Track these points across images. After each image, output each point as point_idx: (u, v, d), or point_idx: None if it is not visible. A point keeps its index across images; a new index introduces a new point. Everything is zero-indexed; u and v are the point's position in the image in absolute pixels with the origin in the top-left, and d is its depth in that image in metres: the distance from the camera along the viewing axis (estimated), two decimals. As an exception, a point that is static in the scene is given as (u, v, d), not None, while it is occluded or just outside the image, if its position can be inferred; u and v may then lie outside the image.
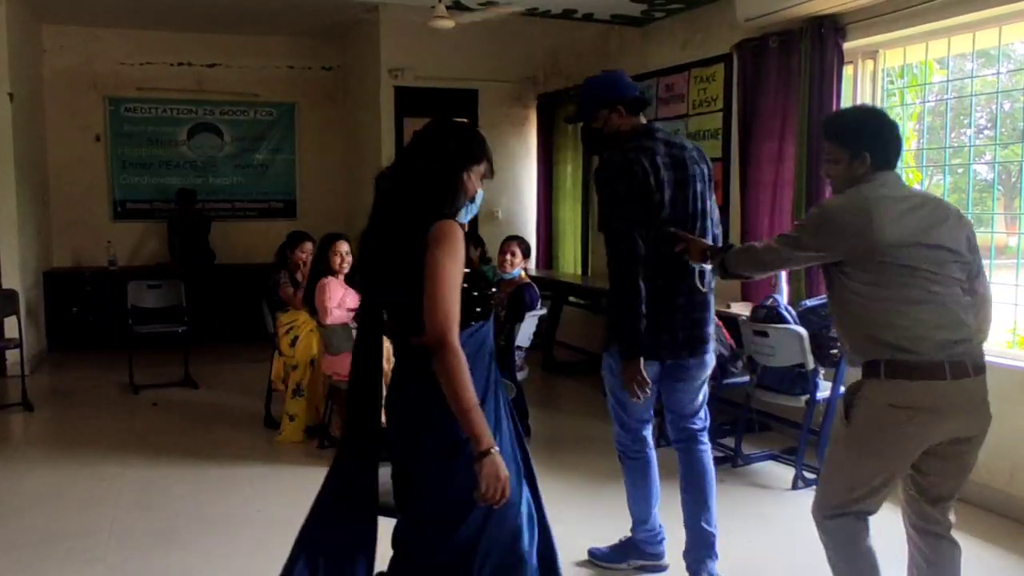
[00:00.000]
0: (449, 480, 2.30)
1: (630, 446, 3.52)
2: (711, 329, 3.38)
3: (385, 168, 2.49)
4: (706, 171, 3.35)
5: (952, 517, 2.82)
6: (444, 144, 2.38)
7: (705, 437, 3.52)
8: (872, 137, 2.74)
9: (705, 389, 3.48)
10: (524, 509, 2.38)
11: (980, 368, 2.66)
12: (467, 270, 2.30)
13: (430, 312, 2.19)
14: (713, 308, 3.38)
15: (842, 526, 2.81)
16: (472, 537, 2.30)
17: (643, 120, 3.36)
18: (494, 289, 2.49)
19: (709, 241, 3.30)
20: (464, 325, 2.27)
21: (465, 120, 2.53)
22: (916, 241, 2.61)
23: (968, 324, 2.64)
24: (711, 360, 3.42)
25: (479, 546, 2.30)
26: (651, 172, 3.15)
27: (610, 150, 3.28)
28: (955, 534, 2.82)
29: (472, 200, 2.43)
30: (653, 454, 3.56)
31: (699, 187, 3.29)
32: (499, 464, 2.17)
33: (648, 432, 3.52)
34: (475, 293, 2.35)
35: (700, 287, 3.24)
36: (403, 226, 2.31)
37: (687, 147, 3.32)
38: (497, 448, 2.19)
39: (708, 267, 3.17)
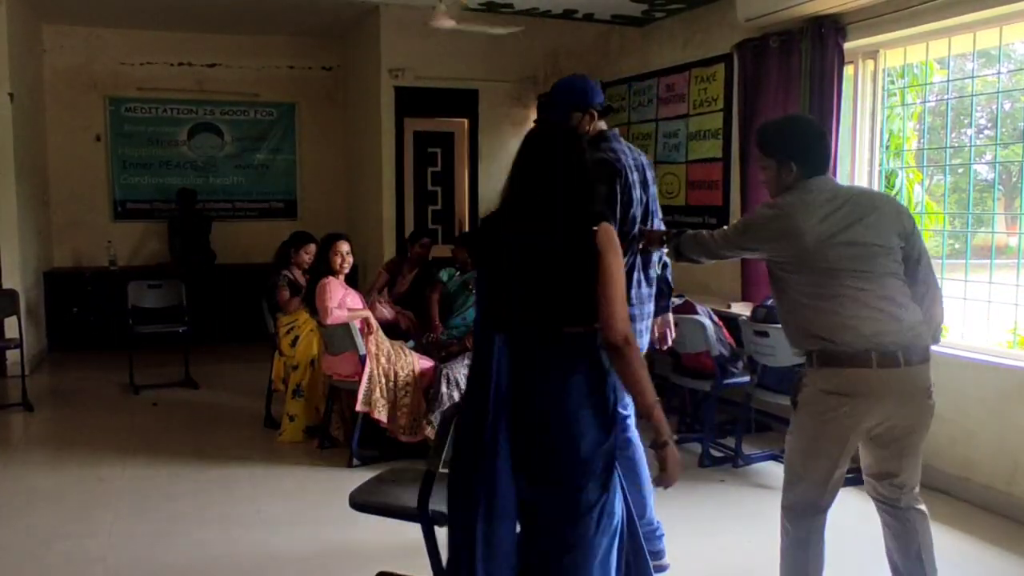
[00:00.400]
0: (601, 450, 2.41)
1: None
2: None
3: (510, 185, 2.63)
4: (653, 176, 3.61)
5: (916, 499, 2.98)
6: (584, 154, 2.58)
7: None
8: (796, 146, 2.85)
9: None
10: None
11: (916, 359, 2.76)
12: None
13: (611, 312, 2.38)
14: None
15: (800, 520, 3.01)
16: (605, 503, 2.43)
17: (604, 126, 3.53)
18: None
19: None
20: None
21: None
22: (836, 241, 2.74)
23: (899, 317, 2.74)
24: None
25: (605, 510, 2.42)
26: (627, 172, 3.38)
27: None
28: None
29: None
30: (638, 442, 3.49)
31: (653, 190, 3.58)
32: (677, 453, 2.39)
33: (631, 423, 3.46)
34: None
35: (653, 273, 3.51)
36: (561, 228, 2.46)
37: (640, 152, 3.57)
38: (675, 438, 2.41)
39: (664, 250, 3.37)
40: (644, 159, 3.56)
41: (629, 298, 3.29)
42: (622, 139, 3.53)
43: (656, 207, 3.64)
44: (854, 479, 4.77)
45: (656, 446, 2.39)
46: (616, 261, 2.43)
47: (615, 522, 2.45)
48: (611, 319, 2.38)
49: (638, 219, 3.46)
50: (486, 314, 2.59)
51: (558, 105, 3.49)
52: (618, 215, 3.31)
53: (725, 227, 3.15)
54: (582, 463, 2.39)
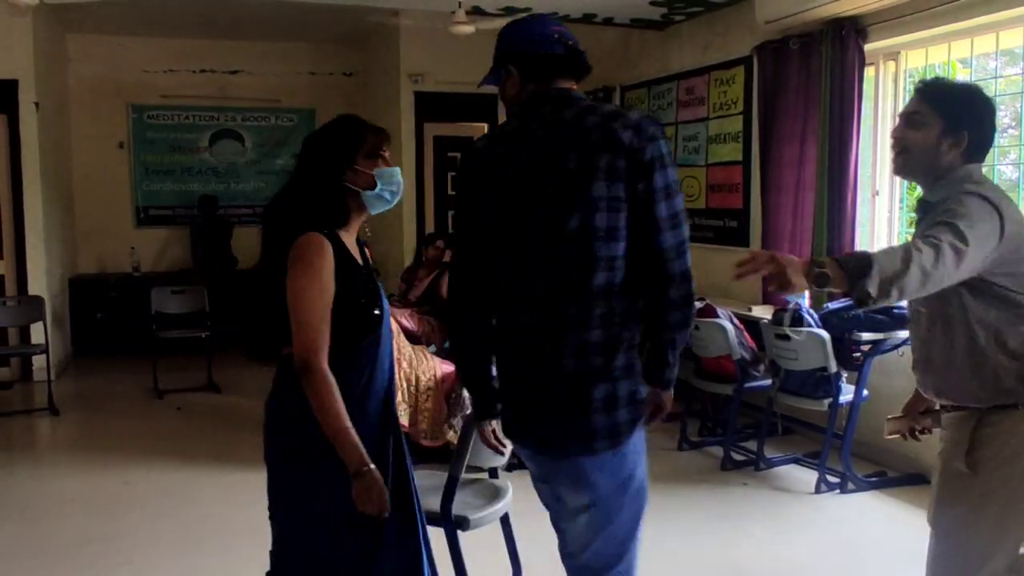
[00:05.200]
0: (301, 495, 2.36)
1: None
2: (596, 421, 2.13)
3: None
4: (604, 163, 2.06)
5: None
6: (316, 150, 2.34)
7: None
8: (978, 120, 2.26)
9: (601, 525, 2.23)
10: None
11: None
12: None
13: (294, 333, 2.18)
14: (597, 397, 2.14)
15: None
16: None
17: (551, 88, 2.21)
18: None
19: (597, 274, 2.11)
20: (344, 343, 2.24)
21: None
22: None
23: None
24: (587, 480, 2.18)
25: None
26: (480, 163, 2.27)
27: None
28: None
29: (374, 186, 2.31)
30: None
31: (569, 194, 2.09)
32: (374, 481, 2.18)
33: None
34: (355, 307, 2.27)
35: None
36: (273, 241, 2.32)
37: (580, 125, 2.12)
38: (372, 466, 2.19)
39: (804, 296, 2.46)
40: (572, 136, 2.11)
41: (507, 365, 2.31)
42: (545, 108, 2.19)
43: (585, 220, 2.09)
44: (877, 483, 4.77)
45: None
46: (298, 275, 2.18)
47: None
48: (295, 340, 2.18)
49: (497, 241, 2.21)
50: None
51: (490, 70, 2.34)
52: (468, 231, 2.31)
53: (942, 235, 2.05)
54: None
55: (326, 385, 2.16)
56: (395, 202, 2.38)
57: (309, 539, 2.34)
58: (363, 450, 2.17)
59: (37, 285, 7.35)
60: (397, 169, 2.37)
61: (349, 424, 2.17)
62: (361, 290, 2.29)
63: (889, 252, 2.02)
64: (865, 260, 1.96)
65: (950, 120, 2.21)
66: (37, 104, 7.33)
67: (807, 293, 5.21)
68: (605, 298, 2.10)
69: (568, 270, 2.10)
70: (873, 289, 1.94)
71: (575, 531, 2.26)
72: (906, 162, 2.29)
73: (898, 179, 5.33)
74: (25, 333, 7.25)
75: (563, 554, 2.35)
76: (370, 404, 2.33)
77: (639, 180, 2.07)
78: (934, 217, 2.16)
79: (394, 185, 2.36)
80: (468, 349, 2.35)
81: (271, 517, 2.50)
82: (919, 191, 2.41)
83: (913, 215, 5.70)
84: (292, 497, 2.38)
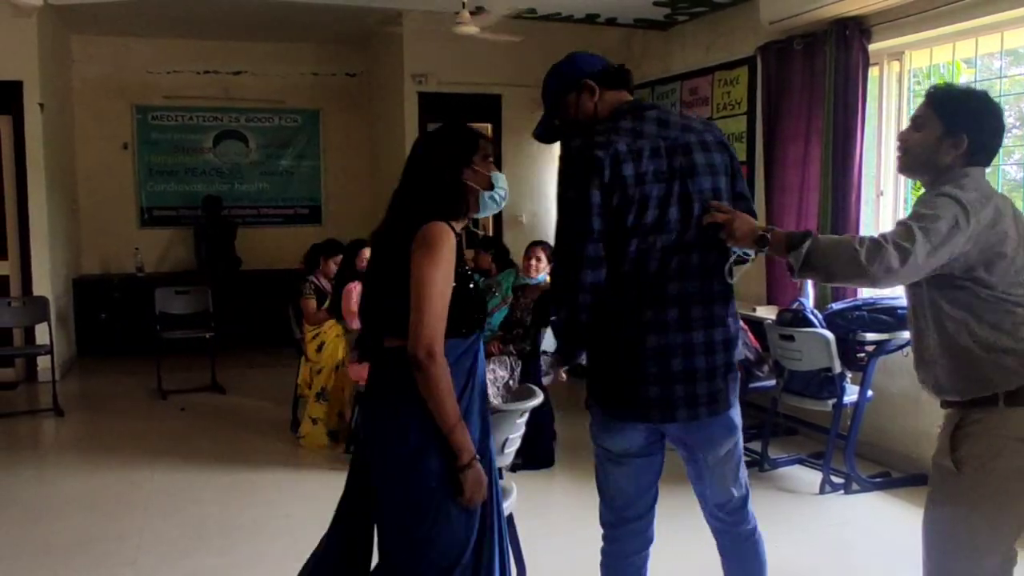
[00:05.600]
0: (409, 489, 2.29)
1: (608, 530, 2.71)
2: (728, 384, 2.51)
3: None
4: (719, 161, 2.49)
5: None
6: (437, 148, 2.40)
7: (748, 521, 2.69)
8: (978, 124, 2.33)
9: (733, 466, 2.63)
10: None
11: None
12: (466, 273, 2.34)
13: (416, 322, 2.17)
14: (729, 357, 2.51)
15: None
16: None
17: (628, 97, 2.59)
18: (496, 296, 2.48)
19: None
20: (457, 335, 2.27)
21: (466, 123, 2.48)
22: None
23: None
24: (728, 430, 2.55)
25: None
26: (621, 162, 2.38)
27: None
28: None
29: (495, 187, 2.40)
30: (635, 562, 2.70)
31: (714, 182, 2.46)
32: (478, 473, 2.24)
33: (635, 530, 2.67)
34: (468, 300, 2.31)
35: (728, 279, 2.50)
36: (397, 230, 2.30)
37: (694, 128, 2.50)
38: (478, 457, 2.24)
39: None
40: (696, 137, 2.47)
41: (642, 349, 2.46)
42: (654, 113, 2.50)
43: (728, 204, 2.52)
44: (882, 483, 4.76)
45: (457, 469, 2.22)
46: (426, 261, 2.19)
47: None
48: (415, 328, 2.17)
49: (655, 223, 2.39)
50: None
51: (547, 97, 2.65)
52: (597, 224, 2.36)
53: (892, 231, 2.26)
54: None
55: (447, 376, 2.19)
56: (503, 206, 2.47)
57: (433, 529, 2.28)
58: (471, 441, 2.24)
59: (41, 286, 7.37)
60: (504, 175, 2.48)
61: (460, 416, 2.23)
62: (471, 284, 2.37)
63: (838, 239, 2.29)
64: (806, 235, 2.27)
65: (950, 123, 2.31)
66: (42, 105, 7.34)
67: (811, 293, 5.22)
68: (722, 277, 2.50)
69: (711, 254, 2.46)
70: (796, 261, 2.26)
71: (723, 475, 2.60)
72: (906, 161, 2.43)
73: (903, 179, 5.34)
74: (30, 334, 7.26)
75: (716, 506, 2.65)
76: (477, 397, 2.36)
77: (735, 176, 2.54)
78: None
79: (504, 188, 2.44)
80: (579, 329, 2.47)
81: (380, 515, 2.37)
82: (922, 190, 2.46)
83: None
84: (418, 490, 2.27)
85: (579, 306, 2.39)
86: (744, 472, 2.67)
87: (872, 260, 2.16)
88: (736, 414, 2.56)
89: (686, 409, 2.43)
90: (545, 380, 5.36)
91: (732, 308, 2.53)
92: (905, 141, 2.41)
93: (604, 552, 2.70)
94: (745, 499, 2.67)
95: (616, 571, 2.68)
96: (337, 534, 2.50)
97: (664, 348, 2.41)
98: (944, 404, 2.41)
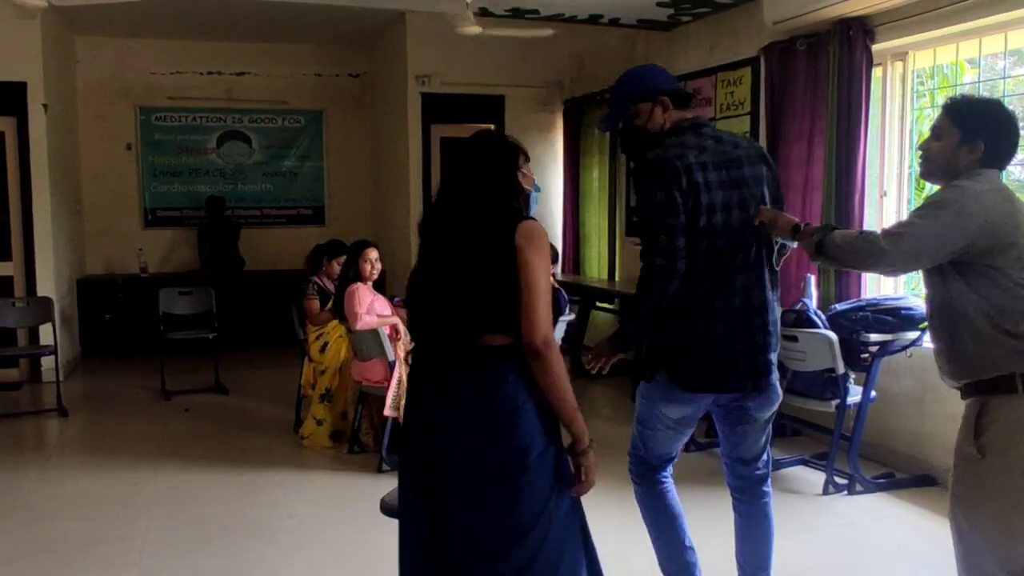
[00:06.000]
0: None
1: (637, 472, 3.18)
2: (774, 357, 2.96)
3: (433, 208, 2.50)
4: (766, 173, 2.94)
5: None
6: (490, 154, 2.45)
7: (768, 485, 3.21)
8: (992, 129, 2.48)
9: (769, 430, 3.15)
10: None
11: None
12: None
13: (532, 313, 2.21)
14: (777, 333, 2.96)
15: None
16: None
17: (688, 115, 3.00)
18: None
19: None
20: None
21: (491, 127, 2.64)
22: None
23: None
24: (777, 395, 3.02)
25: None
26: (693, 172, 2.78)
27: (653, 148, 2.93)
28: None
29: (537, 188, 2.55)
30: (669, 487, 3.17)
31: (761, 190, 2.90)
32: (595, 459, 2.30)
33: (666, 472, 3.18)
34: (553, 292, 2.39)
35: (775, 266, 2.95)
36: (480, 231, 2.31)
37: (741, 144, 2.96)
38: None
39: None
40: (743, 152, 2.91)
41: (713, 330, 2.86)
42: (708, 131, 2.94)
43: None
44: (885, 484, 4.76)
45: (573, 453, 2.28)
46: (534, 257, 2.25)
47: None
48: (530, 317, 2.21)
49: (721, 226, 2.81)
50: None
51: (620, 101, 3.02)
52: (684, 220, 2.76)
53: (897, 224, 2.56)
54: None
55: (563, 364, 2.24)
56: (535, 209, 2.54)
57: (559, 523, 2.29)
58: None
59: (45, 286, 7.38)
60: None
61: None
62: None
63: (856, 232, 2.65)
64: (830, 227, 2.71)
65: (967, 132, 2.47)
66: (45, 106, 7.36)
67: (814, 294, 5.22)
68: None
69: (763, 249, 2.89)
70: (810, 245, 2.66)
71: (757, 438, 3.11)
72: (928, 168, 2.60)
73: (906, 180, 5.34)
74: (34, 334, 7.27)
75: (742, 461, 3.16)
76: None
77: (774, 182, 2.98)
78: None
79: (540, 188, 2.63)
80: (659, 316, 2.87)
81: (472, 522, 2.28)
82: (926, 190, 2.52)
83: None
84: (537, 486, 2.25)
85: (669, 293, 2.78)
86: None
87: (870, 248, 2.48)
88: (778, 379, 3.02)
89: (751, 380, 2.89)
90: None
91: (778, 293, 2.99)
92: (927, 150, 2.57)
93: (639, 491, 3.17)
94: (769, 461, 3.22)
95: (656, 494, 3.13)
96: (415, 543, 2.39)
97: (733, 331, 2.84)
98: (964, 395, 2.49)
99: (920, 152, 2.61)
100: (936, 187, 2.66)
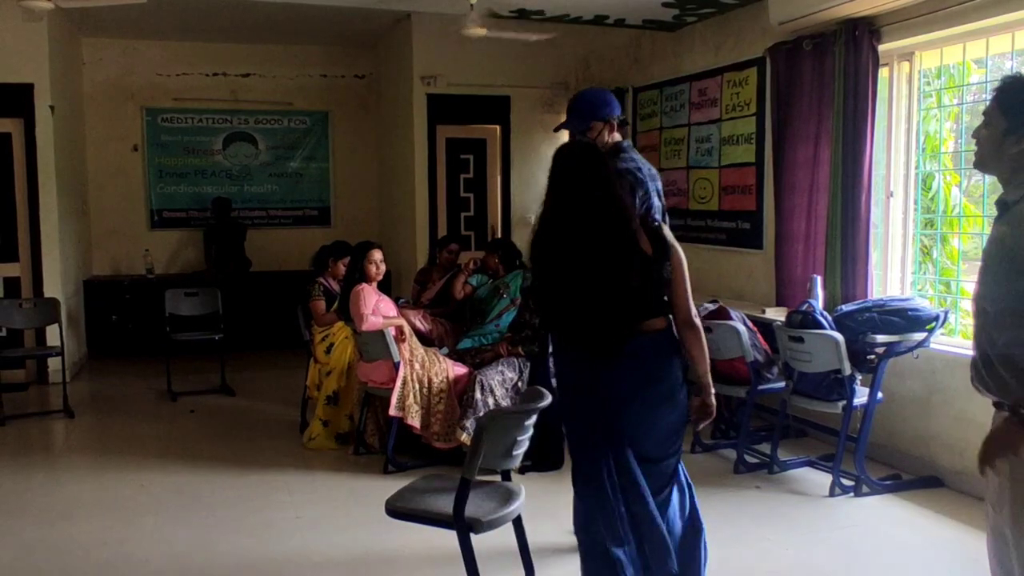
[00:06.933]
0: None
1: None
2: None
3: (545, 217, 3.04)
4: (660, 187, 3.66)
5: None
6: (583, 172, 2.99)
7: None
8: None
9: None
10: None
11: None
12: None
13: (683, 298, 2.97)
14: None
15: None
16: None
17: (618, 138, 3.70)
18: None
19: None
20: None
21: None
22: None
23: None
24: None
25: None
26: (647, 181, 3.51)
27: None
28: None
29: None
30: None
31: (662, 201, 3.63)
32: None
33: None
34: None
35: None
36: (625, 237, 2.92)
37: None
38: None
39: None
40: (654, 170, 3.68)
41: None
42: (635, 150, 3.67)
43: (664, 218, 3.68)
44: (892, 486, 4.74)
45: (701, 394, 3.04)
46: (677, 249, 2.99)
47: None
48: (681, 301, 2.97)
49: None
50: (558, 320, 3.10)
51: (583, 114, 3.65)
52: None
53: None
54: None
55: (702, 334, 3.04)
56: None
57: (680, 436, 3.10)
58: None
59: (52, 287, 7.40)
60: None
61: None
62: None
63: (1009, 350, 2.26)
64: None
65: (1013, 120, 2.34)
66: (52, 107, 7.38)
67: (820, 295, 5.20)
68: None
69: None
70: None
71: None
72: (978, 156, 2.47)
73: (912, 180, 5.33)
74: (40, 335, 7.29)
75: None
76: None
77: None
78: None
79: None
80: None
81: (640, 434, 2.99)
82: (933, 191, 2.45)
83: (927, 217, 5.67)
84: (674, 412, 3.02)
85: None
86: None
87: None
88: None
89: None
90: (555, 382, 5.35)
91: None
92: (977, 137, 2.45)
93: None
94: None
95: None
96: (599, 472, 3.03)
97: None
98: (999, 407, 2.35)
99: (974, 139, 2.47)
100: (990, 177, 2.50)
